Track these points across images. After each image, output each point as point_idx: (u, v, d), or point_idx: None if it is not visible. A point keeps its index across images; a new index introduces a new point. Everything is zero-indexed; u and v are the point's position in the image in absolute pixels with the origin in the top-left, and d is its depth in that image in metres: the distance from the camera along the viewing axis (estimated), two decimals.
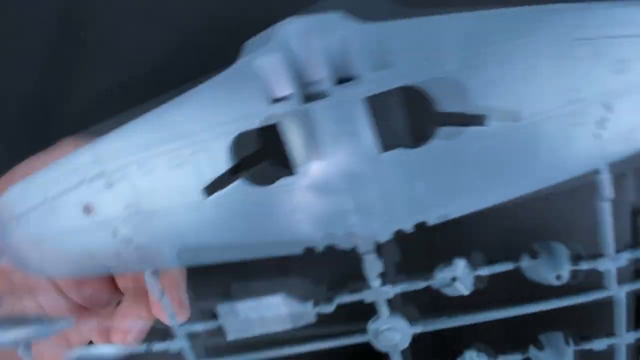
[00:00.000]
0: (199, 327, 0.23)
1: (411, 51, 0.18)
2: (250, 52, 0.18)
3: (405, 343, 0.23)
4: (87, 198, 0.21)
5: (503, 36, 0.18)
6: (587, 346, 0.22)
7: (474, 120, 0.19)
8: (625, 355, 0.23)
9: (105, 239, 0.22)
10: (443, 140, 0.19)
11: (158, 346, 0.24)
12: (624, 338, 0.22)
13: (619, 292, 0.21)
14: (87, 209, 0.21)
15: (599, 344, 0.22)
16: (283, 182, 0.20)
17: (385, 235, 0.21)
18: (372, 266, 0.21)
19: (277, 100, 0.19)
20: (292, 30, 0.18)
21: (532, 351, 0.23)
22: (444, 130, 0.19)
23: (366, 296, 0.22)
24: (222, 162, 0.20)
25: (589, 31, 0.18)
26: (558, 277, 0.21)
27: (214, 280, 0.26)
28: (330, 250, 0.21)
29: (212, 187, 0.20)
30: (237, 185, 0.20)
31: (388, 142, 0.19)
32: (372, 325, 0.23)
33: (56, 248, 0.22)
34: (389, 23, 0.18)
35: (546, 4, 0.18)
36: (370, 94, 0.18)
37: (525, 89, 0.18)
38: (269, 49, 0.18)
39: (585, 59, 0.18)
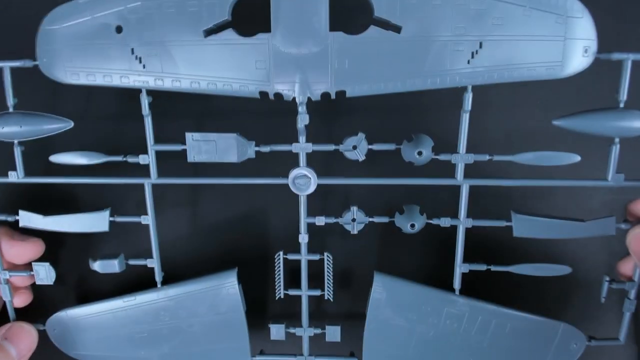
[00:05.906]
0: (170, 147, 0.32)
1: None
2: None
3: (312, 189, 0.31)
4: (122, 22, 0.30)
5: None
6: (435, 221, 0.31)
7: (394, 27, 0.28)
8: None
9: (124, 52, 0.30)
10: (370, 35, 0.28)
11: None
12: (463, 222, 0.31)
13: (464, 183, 0.30)
14: (119, 29, 0.30)
15: (444, 222, 0.31)
16: (260, 36, 0.29)
17: (316, 95, 0.29)
18: (302, 117, 0.30)
19: None
20: None
21: (396, 215, 0.32)
22: (373, 29, 0.28)
23: (293, 148, 0.31)
24: (222, 16, 0.29)
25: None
26: (419, 154, 0.30)
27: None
28: (277, 97, 0.30)
29: (210, 31, 0.29)
30: (227, 32, 0.29)
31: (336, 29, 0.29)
32: (292, 172, 0.31)
33: (86, 50, 0.30)
34: None
35: None
36: None
37: (431, 20, 0.28)
38: None
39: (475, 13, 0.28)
